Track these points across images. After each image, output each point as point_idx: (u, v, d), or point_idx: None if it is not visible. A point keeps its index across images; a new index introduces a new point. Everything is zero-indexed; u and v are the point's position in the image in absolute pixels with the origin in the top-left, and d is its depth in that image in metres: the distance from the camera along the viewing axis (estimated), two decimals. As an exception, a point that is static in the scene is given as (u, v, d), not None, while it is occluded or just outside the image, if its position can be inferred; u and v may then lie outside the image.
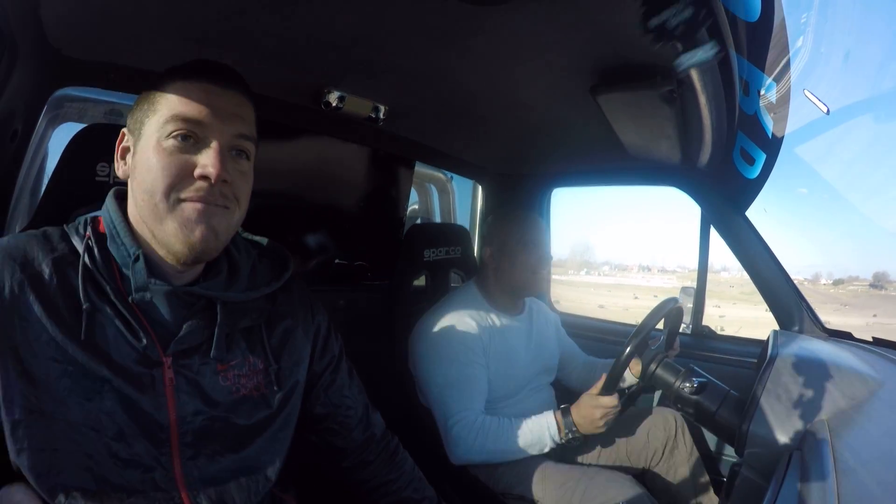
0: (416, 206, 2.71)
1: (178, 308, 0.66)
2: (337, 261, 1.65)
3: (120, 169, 0.68)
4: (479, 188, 2.17)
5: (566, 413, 1.23)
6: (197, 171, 0.62)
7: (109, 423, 0.60)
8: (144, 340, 0.63)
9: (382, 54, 1.01)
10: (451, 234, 1.73)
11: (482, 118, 1.41)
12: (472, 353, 1.32)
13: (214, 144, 0.64)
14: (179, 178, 0.62)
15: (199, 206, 0.63)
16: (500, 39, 0.92)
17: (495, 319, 1.42)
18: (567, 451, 1.44)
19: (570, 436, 1.22)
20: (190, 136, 0.63)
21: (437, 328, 1.36)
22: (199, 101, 0.63)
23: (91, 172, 0.89)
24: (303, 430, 0.86)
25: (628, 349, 1.15)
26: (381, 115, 1.30)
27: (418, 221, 2.65)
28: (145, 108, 0.65)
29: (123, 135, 0.68)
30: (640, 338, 1.15)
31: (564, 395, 1.60)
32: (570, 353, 1.66)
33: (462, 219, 2.58)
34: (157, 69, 1.02)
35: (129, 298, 0.63)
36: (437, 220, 2.67)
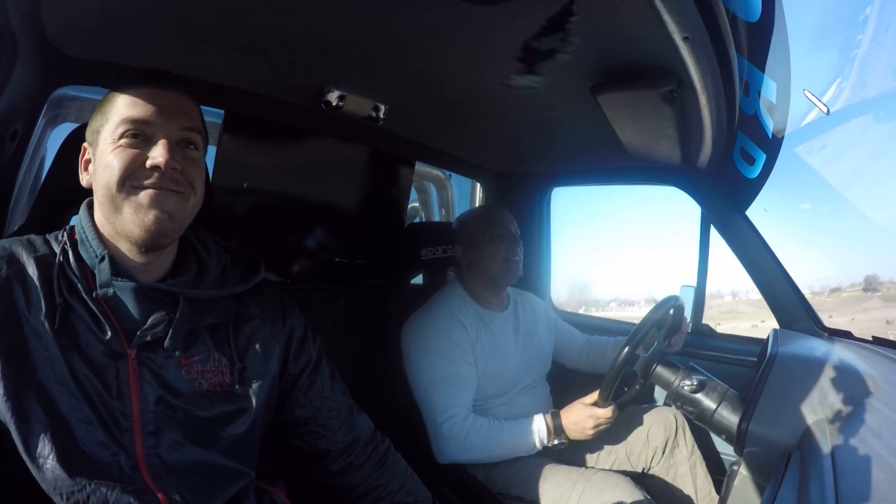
0: (416, 205, 2.70)
1: (144, 304, 0.71)
2: (337, 259, 1.65)
3: (84, 179, 0.75)
4: (479, 187, 2.17)
5: (556, 417, 1.26)
6: (149, 163, 0.69)
7: (79, 407, 0.65)
8: (109, 334, 0.68)
9: (383, 54, 1.01)
10: (448, 233, 1.73)
11: (482, 117, 1.41)
12: (459, 351, 1.33)
13: (162, 139, 0.70)
14: (133, 170, 0.68)
15: (151, 192, 0.69)
16: (500, 39, 0.92)
17: (482, 316, 1.43)
18: (563, 451, 1.45)
19: (556, 441, 1.25)
20: (139, 134, 0.70)
21: (424, 326, 1.38)
22: (144, 104, 0.70)
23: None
24: (286, 435, 0.88)
25: (624, 352, 1.15)
26: (382, 115, 1.30)
27: (416, 220, 2.65)
28: (99, 119, 0.72)
29: (85, 149, 0.75)
30: (637, 339, 1.15)
31: (561, 390, 1.60)
32: (568, 337, 1.67)
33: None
34: (156, 69, 1.03)
35: (94, 294, 0.68)
36: (436, 219, 2.67)
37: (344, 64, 1.07)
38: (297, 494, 0.90)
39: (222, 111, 1.23)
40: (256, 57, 1.02)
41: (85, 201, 0.76)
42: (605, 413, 1.20)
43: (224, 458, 0.74)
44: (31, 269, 0.67)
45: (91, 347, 0.67)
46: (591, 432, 1.22)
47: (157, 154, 0.69)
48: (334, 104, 1.19)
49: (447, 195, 2.70)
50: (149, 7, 0.81)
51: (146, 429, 0.69)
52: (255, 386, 0.78)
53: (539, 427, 1.25)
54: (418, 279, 1.76)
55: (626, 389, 1.24)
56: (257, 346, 0.81)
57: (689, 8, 0.77)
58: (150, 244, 0.70)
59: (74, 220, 0.76)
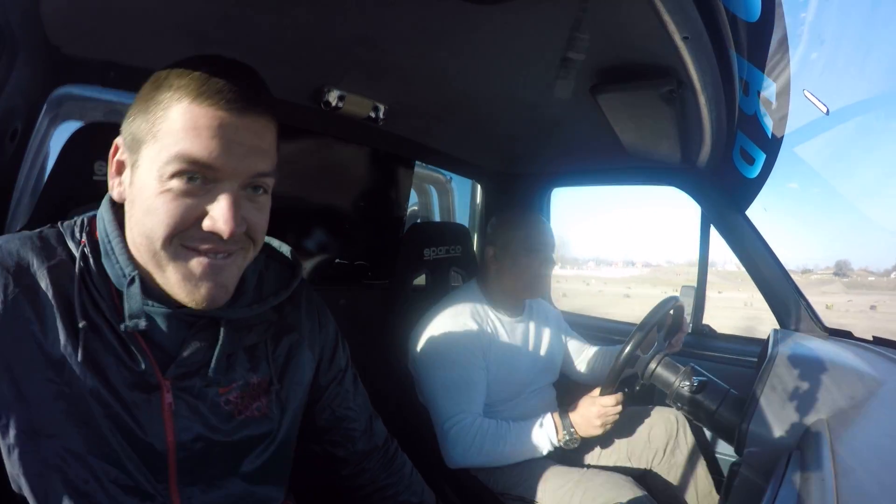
0: (416, 207, 2.70)
1: (177, 329, 0.62)
2: (337, 260, 1.65)
3: (115, 189, 0.60)
4: (479, 188, 2.17)
5: (564, 415, 1.24)
6: (206, 224, 0.55)
7: (106, 448, 0.56)
8: (143, 365, 0.58)
9: (382, 53, 1.01)
10: (451, 233, 1.73)
11: (482, 118, 1.41)
12: (471, 356, 1.32)
13: (227, 192, 0.55)
14: (184, 226, 0.55)
15: (205, 261, 0.56)
16: (500, 39, 0.92)
17: (497, 322, 1.41)
18: (567, 450, 1.45)
19: (567, 437, 1.22)
20: (197, 177, 0.54)
21: (437, 329, 1.36)
22: (209, 137, 0.53)
23: (88, 171, 0.89)
24: (306, 442, 0.85)
25: (628, 347, 1.15)
26: (381, 115, 1.30)
27: (418, 221, 2.65)
28: (142, 125, 0.55)
29: (117, 147, 0.59)
30: (640, 336, 1.15)
31: (566, 394, 1.60)
32: (576, 347, 1.67)
33: (461, 220, 2.57)
34: (157, 68, 1.03)
35: (122, 326, 0.57)
36: (437, 220, 2.67)
37: (343, 64, 1.07)
38: (304, 501, 0.90)
39: None
40: (256, 57, 1.01)
41: (108, 197, 0.62)
42: (609, 401, 1.18)
43: (260, 483, 0.69)
44: (45, 283, 0.56)
45: (119, 379, 0.57)
46: (598, 422, 1.19)
47: (219, 217, 0.54)
48: (334, 104, 1.19)
49: (448, 198, 2.70)
50: (149, 6, 0.81)
51: (182, 466, 0.61)
52: (291, 404, 0.72)
53: (547, 425, 1.24)
54: (420, 279, 1.76)
55: (626, 390, 1.24)
56: (295, 361, 0.74)
57: (688, 8, 0.77)
58: (195, 311, 0.59)
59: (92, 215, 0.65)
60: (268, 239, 0.76)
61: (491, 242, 1.45)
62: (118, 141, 0.59)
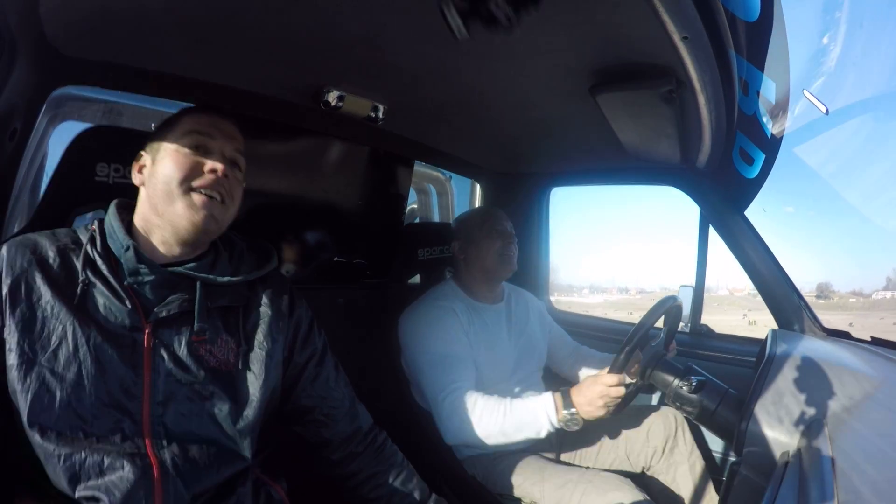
0: (415, 206, 2.70)
1: (163, 288, 0.79)
2: (336, 259, 1.65)
3: (136, 178, 0.85)
4: (478, 187, 2.17)
5: (566, 394, 1.17)
6: (207, 167, 0.82)
7: (90, 376, 0.71)
8: (129, 305, 0.75)
9: (382, 54, 1.01)
10: (445, 234, 1.73)
11: (481, 117, 1.41)
12: (454, 333, 1.36)
13: (219, 153, 0.85)
14: (193, 172, 0.81)
15: (205, 198, 0.81)
16: (499, 39, 0.92)
17: (474, 307, 1.47)
18: (565, 442, 1.44)
19: (568, 417, 1.15)
20: (201, 147, 0.83)
21: (418, 315, 1.41)
22: (208, 123, 0.86)
23: (91, 173, 0.89)
24: (290, 423, 0.94)
25: (635, 341, 1.12)
26: (381, 115, 1.29)
27: (417, 221, 2.65)
28: (164, 132, 0.85)
29: (141, 156, 0.86)
30: (642, 332, 1.13)
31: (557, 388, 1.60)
32: (559, 341, 1.68)
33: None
34: (156, 69, 1.04)
35: (125, 282, 0.77)
36: (436, 220, 2.67)
37: (343, 64, 1.07)
38: (298, 493, 0.91)
39: None
40: (256, 57, 1.02)
41: (116, 201, 0.84)
42: (611, 380, 1.11)
43: (224, 438, 0.79)
44: (52, 254, 0.76)
45: (110, 320, 0.74)
46: (601, 402, 1.12)
47: (217, 161, 0.83)
48: (333, 104, 1.19)
49: (447, 196, 2.70)
50: (148, 7, 0.81)
51: (155, 398, 0.75)
52: (257, 370, 0.84)
53: (548, 403, 1.17)
54: (415, 279, 1.76)
55: (632, 382, 1.22)
56: (264, 333, 0.87)
57: (687, 8, 0.77)
58: (192, 239, 0.82)
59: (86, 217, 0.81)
60: (253, 239, 0.98)
61: (455, 238, 1.54)
62: (142, 153, 0.86)
